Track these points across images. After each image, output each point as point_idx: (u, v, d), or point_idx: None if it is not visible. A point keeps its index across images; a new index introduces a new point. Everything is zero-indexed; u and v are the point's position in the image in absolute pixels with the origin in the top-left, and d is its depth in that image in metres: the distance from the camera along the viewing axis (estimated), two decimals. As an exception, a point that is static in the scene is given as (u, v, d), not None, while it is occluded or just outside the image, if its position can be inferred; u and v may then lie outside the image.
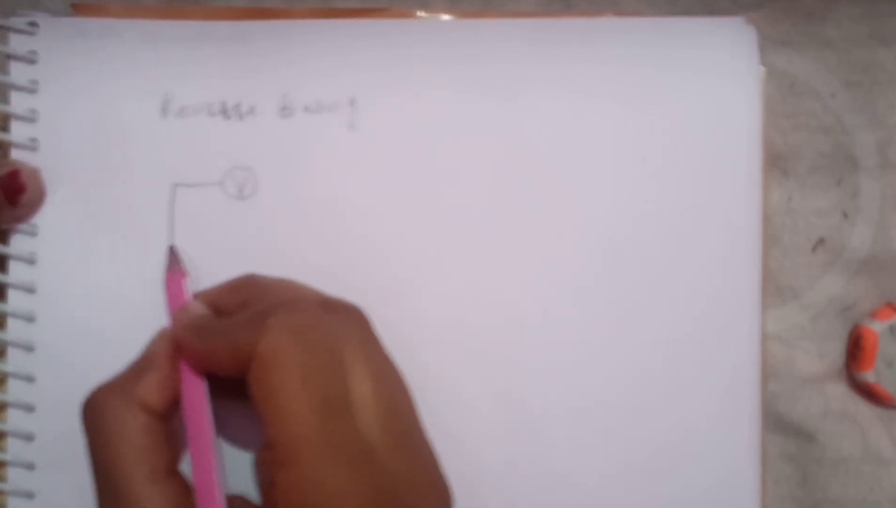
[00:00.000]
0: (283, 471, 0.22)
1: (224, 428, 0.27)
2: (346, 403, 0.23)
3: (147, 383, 0.25)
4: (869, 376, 0.30)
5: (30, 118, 0.29)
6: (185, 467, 0.25)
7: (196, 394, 0.25)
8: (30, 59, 0.29)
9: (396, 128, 0.30)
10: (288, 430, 0.22)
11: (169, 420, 0.25)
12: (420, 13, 0.30)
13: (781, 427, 0.31)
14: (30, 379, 0.29)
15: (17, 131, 0.29)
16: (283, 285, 0.27)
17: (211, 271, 0.29)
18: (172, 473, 0.24)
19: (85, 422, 0.25)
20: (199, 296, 0.27)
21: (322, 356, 0.23)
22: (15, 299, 0.29)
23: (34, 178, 0.28)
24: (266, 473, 0.23)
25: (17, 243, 0.29)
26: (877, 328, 0.30)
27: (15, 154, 0.29)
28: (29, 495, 0.29)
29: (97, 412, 0.24)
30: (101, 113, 0.29)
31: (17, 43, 0.29)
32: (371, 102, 0.29)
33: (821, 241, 0.31)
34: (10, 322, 0.29)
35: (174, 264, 0.28)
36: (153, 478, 0.23)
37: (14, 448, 0.29)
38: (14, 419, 0.29)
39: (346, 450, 0.22)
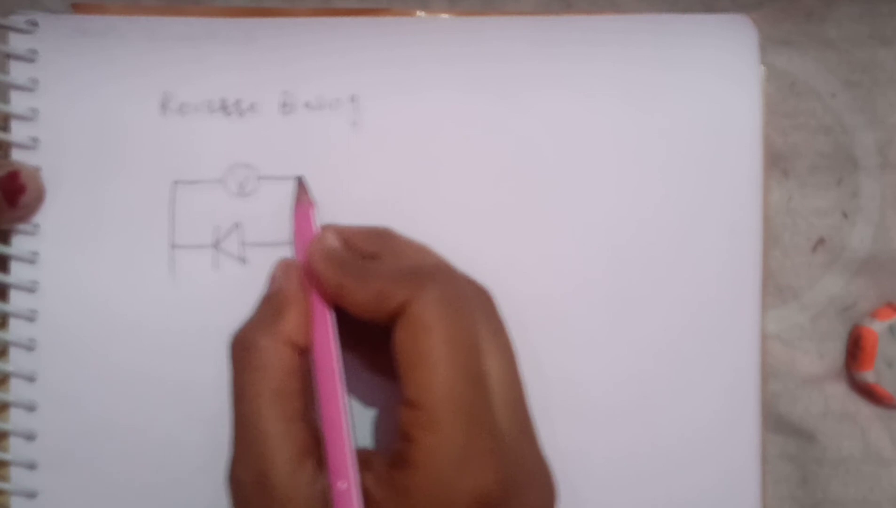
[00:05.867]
0: (426, 433, 0.22)
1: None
2: (484, 379, 0.23)
3: (289, 319, 0.25)
4: (869, 376, 0.30)
5: (30, 117, 0.29)
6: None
7: (323, 326, 0.25)
8: (29, 58, 0.29)
9: (398, 125, 0.29)
10: (434, 395, 0.22)
11: (307, 359, 0.25)
12: (420, 13, 0.30)
13: (781, 427, 0.31)
14: (31, 379, 0.29)
15: (18, 131, 0.29)
16: (420, 248, 0.27)
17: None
18: (305, 418, 0.24)
19: (233, 358, 0.25)
20: (330, 228, 0.27)
21: (467, 331, 0.23)
22: (17, 299, 0.29)
23: (34, 178, 0.28)
24: (404, 429, 0.23)
25: (19, 243, 0.29)
26: (877, 327, 0.30)
27: (15, 154, 0.29)
28: (31, 494, 0.29)
29: (247, 348, 0.24)
30: (102, 111, 0.29)
31: (16, 42, 0.29)
32: (372, 99, 0.29)
33: (821, 241, 0.31)
34: (12, 322, 0.29)
35: (303, 194, 0.27)
36: (289, 418, 0.23)
37: (16, 447, 0.29)
38: (16, 418, 0.29)
39: (484, 426, 0.23)
